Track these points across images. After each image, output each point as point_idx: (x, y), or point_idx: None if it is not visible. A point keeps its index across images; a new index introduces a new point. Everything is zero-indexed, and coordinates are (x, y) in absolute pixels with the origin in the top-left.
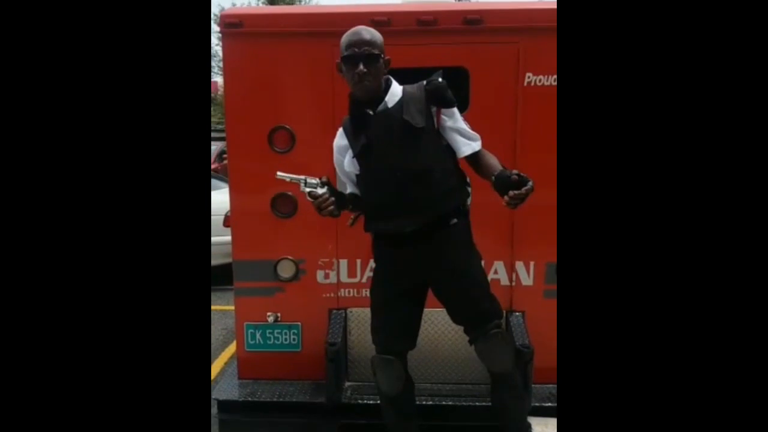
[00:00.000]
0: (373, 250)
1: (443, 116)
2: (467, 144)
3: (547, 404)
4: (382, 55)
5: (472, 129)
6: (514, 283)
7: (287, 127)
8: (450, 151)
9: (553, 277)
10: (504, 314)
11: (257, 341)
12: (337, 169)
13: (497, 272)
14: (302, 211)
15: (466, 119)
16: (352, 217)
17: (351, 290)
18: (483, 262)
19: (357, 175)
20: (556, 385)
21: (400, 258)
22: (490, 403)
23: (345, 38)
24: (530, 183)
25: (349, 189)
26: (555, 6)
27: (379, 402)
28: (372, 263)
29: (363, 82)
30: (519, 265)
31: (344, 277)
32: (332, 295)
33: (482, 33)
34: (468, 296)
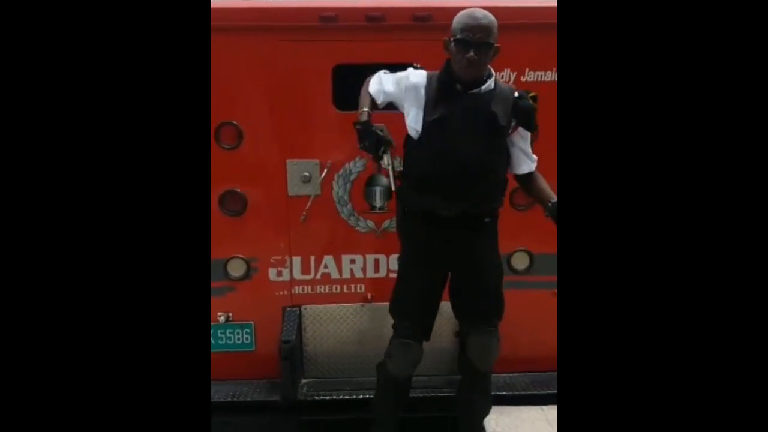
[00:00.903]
0: (402, 227)
1: (517, 133)
2: (527, 163)
3: (501, 393)
4: (495, 44)
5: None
6: None
7: (234, 122)
8: (508, 160)
9: (504, 268)
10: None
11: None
12: (395, 89)
13: None
14: (252, 208)
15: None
16: (304, 213)
17: (305, 287)
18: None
19: (412, 140)
20: (509, 374)
21: (433, 239)
22: (446, 394)
23: (461, 19)
24: None
25: (382, 97)
26: (501, 4)
27: (336, 398)
28: (326, 259)
29: (471, 68)
30: None
31: (297, 275)
32: (286, 292)
33: (431, 30)
34: (482, 293)
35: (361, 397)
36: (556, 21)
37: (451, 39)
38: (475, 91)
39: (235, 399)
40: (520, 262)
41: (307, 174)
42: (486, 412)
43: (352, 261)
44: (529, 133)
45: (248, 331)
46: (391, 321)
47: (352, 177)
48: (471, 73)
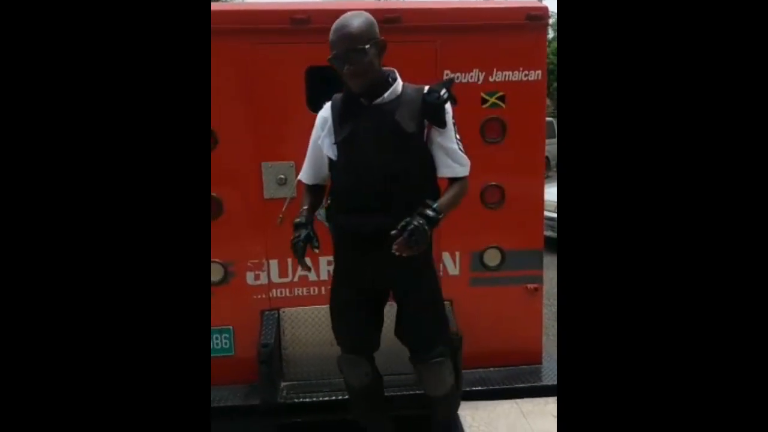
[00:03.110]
0: (333, 247)
1: (434, 130)
2: (449, 166)
3: (476, 388)
4: (369, 45)
5: (465, 152)
6: (441, 273)
7: None
8: (434, 165)
9: (477, 265)
10: (451, 341)
11: None
12: (311, 145)
13: None
14: (228, 211)
15: (461, 140)
16: (280, 216)
17: (283, 290)
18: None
19: (332, 161)
20: (483, 369)
21: (355, 259)
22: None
23: (330, 35)
24: (400, 240)
25: (309, 171)
26: (469, 6)
27: (316, 400)
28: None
29: (354, 78)
30: (445, 256)
31: (275, 278)
32: (264, 296)
33: (400, 32)
34: (414, 317)
35: (340, 398)
36: (522, 21)
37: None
38: (378, 101)
39: (215, 404)
40: (492, 258)
41: (282, 176)
42: (453, 413)
43: (330, 262)
44: (451, 131)
45: (227, 336)
46: None
47: None
48: (357, 82)
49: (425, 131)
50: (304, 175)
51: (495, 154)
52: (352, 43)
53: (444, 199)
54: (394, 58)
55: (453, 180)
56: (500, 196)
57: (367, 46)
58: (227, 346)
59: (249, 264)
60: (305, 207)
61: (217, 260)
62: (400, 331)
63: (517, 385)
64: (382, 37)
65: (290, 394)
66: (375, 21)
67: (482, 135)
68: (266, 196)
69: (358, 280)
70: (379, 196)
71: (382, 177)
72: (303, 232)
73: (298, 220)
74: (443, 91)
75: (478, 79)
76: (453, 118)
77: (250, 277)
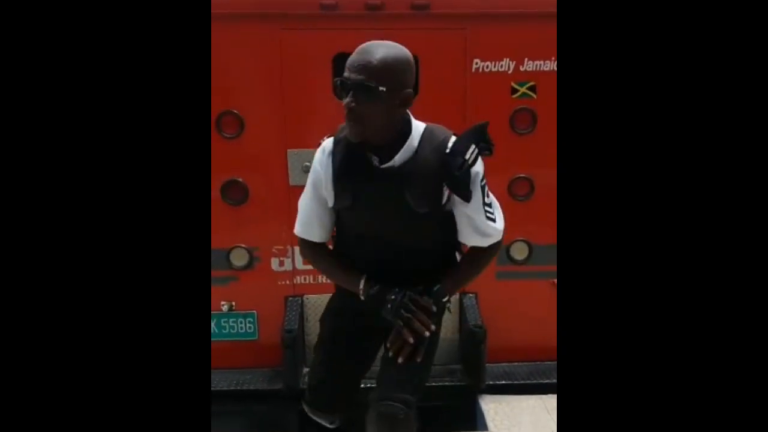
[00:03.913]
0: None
1: (456, 198)
2: (471, 236)
3: (501, 382)
4: (386, 89)
5: (497, 212)
6: None
7: (235, 111)
8: (455, 226)
9: (504, 258)
10: (415, 404)
11: (212, 331)
12: (312, 193)
13: None
14: (254, 197)
15: (491, 203)
16: None
17: (307, 277)
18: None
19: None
20: (507, 364)
21: (355, 303)
22: (447, 384)
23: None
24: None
25: (318, 228)
26: None
27: None
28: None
29: (351, 123)
30: None
31: (300, 264)
32: (288, 282)
33: (429, 19)
34: (397, 363)
35: (361, 385)
36: (555, 10)
37: None
38: (388, 164)
39: (239, 387)
40: (519, 252)
41: (308, 163)
42: None
43: None
44: (479, 201)
45: (251, 320)
46: None
47: None
48: (353, 129)
49: (445, 196)
50: (315, 233)
51: (524, 146)
52: (366, 74)
53: (457, 275)
54: (422, 47)
55: (473, 248)
56: (529, 188)
57: (382, 89)
58: (251, 330)
59: (274, 250)
60: (362, 278)
61: (242, 245)
62: (379, 374)
63: (541, 381)
64: (409, 89)
65: None
66: (412, 64)
67: (512, 125)
68: (291, 182)
69: (348, 319)
70: (384, 266)
71: (393, 254)
72: (398, 293)
73: (371, 291)
74: (470, 151)
75: (509, 69)
76: (483, 178)
77: (274, 263)
